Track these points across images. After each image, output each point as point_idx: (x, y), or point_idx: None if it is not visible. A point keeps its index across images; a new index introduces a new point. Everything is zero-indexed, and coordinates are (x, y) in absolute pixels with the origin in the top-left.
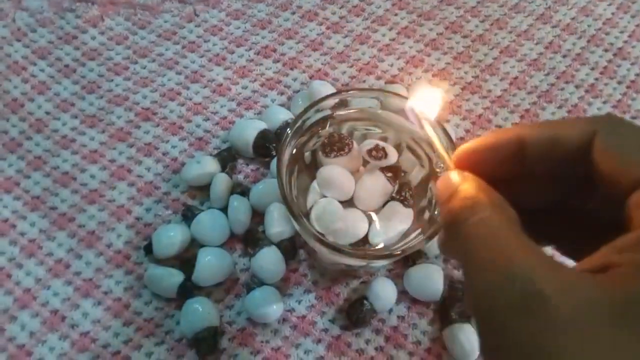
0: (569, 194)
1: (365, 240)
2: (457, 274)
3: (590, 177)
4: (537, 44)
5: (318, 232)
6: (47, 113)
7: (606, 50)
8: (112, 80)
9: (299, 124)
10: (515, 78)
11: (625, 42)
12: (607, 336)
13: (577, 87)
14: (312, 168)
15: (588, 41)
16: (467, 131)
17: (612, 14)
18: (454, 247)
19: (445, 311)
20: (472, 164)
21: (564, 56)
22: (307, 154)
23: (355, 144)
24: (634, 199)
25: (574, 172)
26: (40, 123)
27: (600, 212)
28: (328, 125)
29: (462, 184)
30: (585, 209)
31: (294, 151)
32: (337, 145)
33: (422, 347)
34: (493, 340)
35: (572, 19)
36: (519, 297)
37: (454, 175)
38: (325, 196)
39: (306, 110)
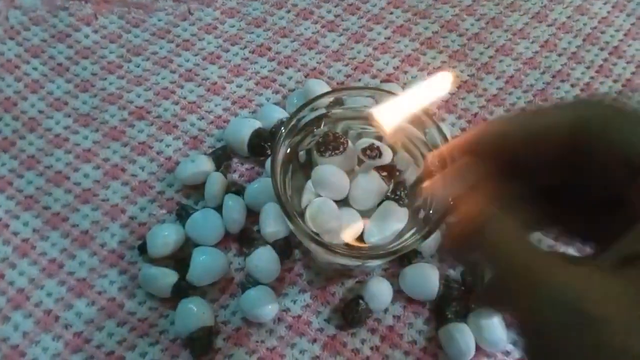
0: (562, 177)
1: (360, 239)
2: (453, 273)
3: (583, 161)
4: (532, 42)
5: (313, 231)
6: (40, 112)
7: (602, 49)
8: (105, 79)
9: (293, 122)
10: (511, 77)
11: (621, 40)
12: None
13: (572, 85)
14: (306, 167)
15: (584, 40)
16: (463, 129)
17: (608, 12)
18: (476, 253)
19: (440, 310)
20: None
21: (560, 55)
22: (301, 153)
23: (350, 143)
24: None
25: (565, 158)
26: (34, 122)
27: (598, 190)
28: (323, 124)
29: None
30: (584, 188)
31: (289, 150)
32: (332, 145)
33: (418, 346)
34: (542, 355)
35: (568, 17)
36: (565, 319)
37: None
38: (320, 195)
39: (301, 108)
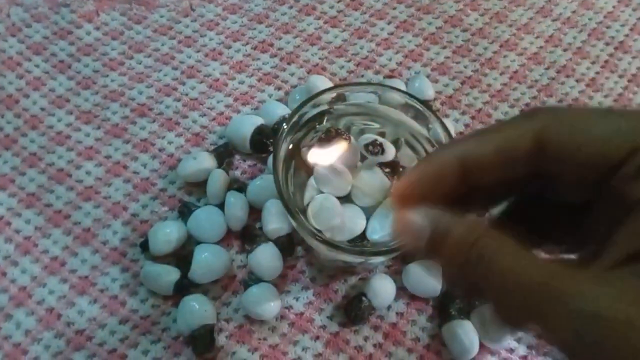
0: (528, 189)
1: (363, 236)
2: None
3: (545, 169)
4: (537, 37)
5: (315, 228)
6: (42, 109)
7: (607, 44)
8: (107, 76)
9: (295, 119)
10: (515, 72)
11: (627, 35)
12: None
13: (577, 81)
14: (309, 164)
15: (589, 34)
16: (467, 125)
17: (613, 7)
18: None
19: (444, 307)
20: (416, 199)
21: (565, 50)
22: (304, 150)
23: (352, 139)
24: (624, 172)
25: (525, 170)
26: (35, 119)
27: (568, 194)
28: (325, 120)
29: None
30: (550, 197)
31: (291, 147)
32: (334, 141)
33: (421, 343)
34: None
35: (573, 12)
36: (600, 328)
37: (417, 217)
38: (322, 192)
39: (303, 105)
